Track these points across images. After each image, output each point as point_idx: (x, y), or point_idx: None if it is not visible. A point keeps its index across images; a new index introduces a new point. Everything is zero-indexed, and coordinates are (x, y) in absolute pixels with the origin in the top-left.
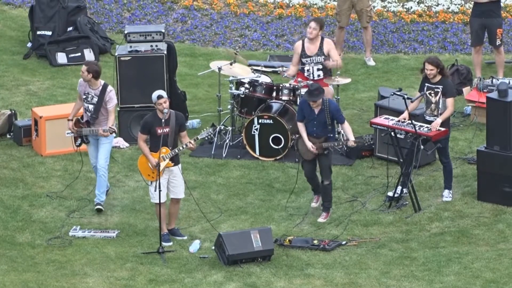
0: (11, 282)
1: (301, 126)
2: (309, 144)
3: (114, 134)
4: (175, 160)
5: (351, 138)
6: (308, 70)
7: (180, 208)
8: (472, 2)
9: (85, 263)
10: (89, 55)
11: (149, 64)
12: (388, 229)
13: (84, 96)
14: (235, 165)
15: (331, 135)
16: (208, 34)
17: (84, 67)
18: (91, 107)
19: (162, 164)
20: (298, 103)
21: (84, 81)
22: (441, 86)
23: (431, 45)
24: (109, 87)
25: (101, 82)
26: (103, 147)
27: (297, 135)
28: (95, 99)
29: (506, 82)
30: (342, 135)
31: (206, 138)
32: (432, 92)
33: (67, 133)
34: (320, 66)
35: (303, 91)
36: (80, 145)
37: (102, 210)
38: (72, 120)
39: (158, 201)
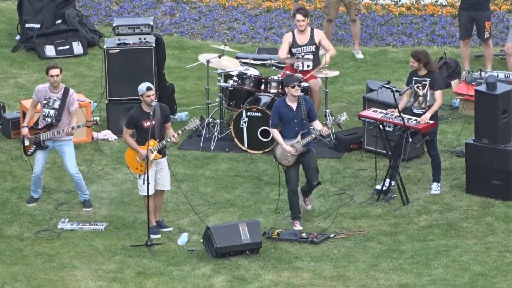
0: None
1: (275, 132)
2: (288, 147)
3: (72, 139)
4: (162, 152)
5: (320, 127)
6: (297, 58)
7: (168, 200)
8: None
9: (73, 255)
10: (77, 48)
11: (138, 57)
12: (376, 222)
13: (44, 102)
14: (224, 158)
15: (306, 130)
16: (196, 27)
17: (56, 71)
18: (52, 112)
19: (151, 157)
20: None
21: (53, 84)
22: (429, 79)
23: (420, 38)
24: (71, 90)
25: (62, 85)
26: (68, 155)
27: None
28: (57, 103)
29: (494, 75)
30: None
31: (193, 129)
32: (420, 85)
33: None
34: (310, 57)
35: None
36: (33, 153)
37: (90, 204)
38: (27, 126)
39: (146, 194)
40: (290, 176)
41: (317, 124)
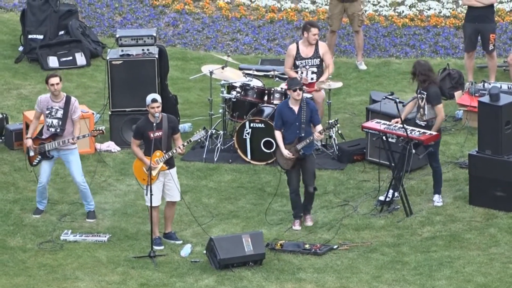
0: (2, 286)
1: (278, 135)
2: (285, 151)
3: (77, 148)
4: (170, 163)
5: (318, 129)
6: (302, 73)
7: None
8: (465, 7)
9: (76, 267)
10: (80, 59)
11: (141, 68)
12: (379, 233)
13: (47, 112)
14: (227, 169)
15: (303, 135)
16: (199, 38)
17: (55, 79)
18: (55, 121)
19: (157, 168)
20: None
21: (54, 93)
22: (425, 93)
23: (423, 49)
24: (73, 98)
25: (63, 94)
26: (74, 164)
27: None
28: (60, 112)
29: (497, 86)
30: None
31: (199, 141)
32: (421, 96)
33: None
34: (315, 69)
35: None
36: (38, 163)
37: (95, 216)
38: (31, 138)
39: (153, 205)
40: (291, 178)
41: (319, 128)
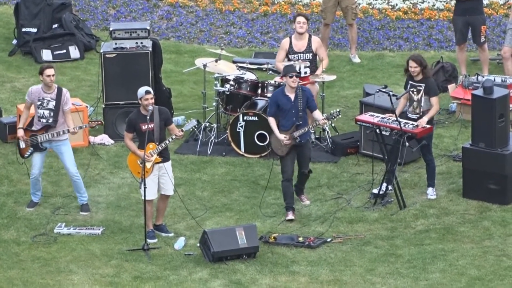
0: None
1: (272, 121)
2: (281, 136)
3: (68, 138)
4: (164, 156)
5: (320, 117)
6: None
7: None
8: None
9: (70, 260)
10: (74, 52)
11: (134, 61)
12: (373, 226)
13: (38, 103)
14: (220, 162)
15: (301, 122)
16: (193, 31)
17: (52, 70)
18: (47, 112)
19: (151, 160)
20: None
21: (48, 84)
22: (424, 85)
23: (417, 42)
24: (64, 89)
25: (54, 85)
26: (67, 155)
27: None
28: (52, 103)
29: (491, 79)
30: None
31: (191, 130)
32: (415, 90)
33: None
34: (308, 64)
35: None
36: (30, 155)
37: (88, 208)
38: (22, 128)
39: (147, 198)
40: (285, 165)
41: (317, 113)
